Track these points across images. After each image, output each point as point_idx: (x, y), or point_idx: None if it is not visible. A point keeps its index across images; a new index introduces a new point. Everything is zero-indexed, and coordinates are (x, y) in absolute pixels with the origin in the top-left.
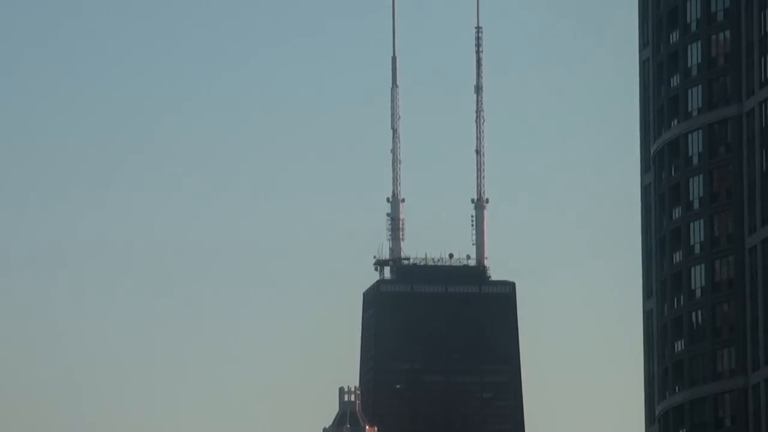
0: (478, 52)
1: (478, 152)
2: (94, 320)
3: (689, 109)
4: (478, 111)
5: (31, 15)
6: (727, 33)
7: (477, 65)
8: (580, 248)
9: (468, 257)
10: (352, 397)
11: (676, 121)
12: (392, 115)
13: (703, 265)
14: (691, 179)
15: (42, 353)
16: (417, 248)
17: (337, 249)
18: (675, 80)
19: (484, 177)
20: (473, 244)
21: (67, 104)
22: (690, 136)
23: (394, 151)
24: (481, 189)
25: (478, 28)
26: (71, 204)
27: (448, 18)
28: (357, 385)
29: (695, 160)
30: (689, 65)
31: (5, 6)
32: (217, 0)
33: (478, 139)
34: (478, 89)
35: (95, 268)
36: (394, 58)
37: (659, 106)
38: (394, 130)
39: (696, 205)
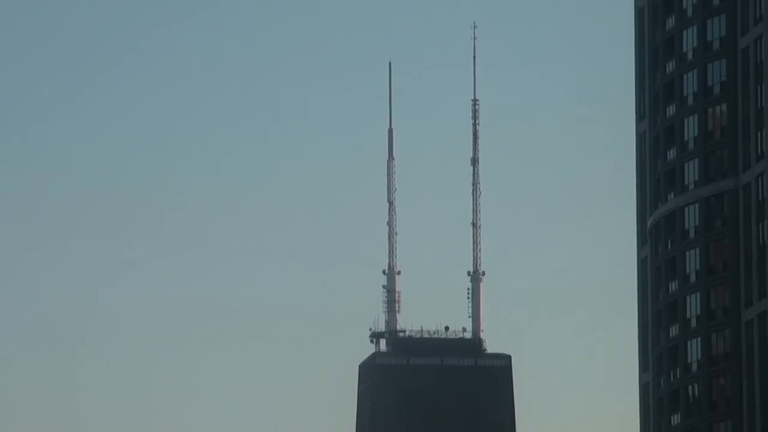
0: (474, 125)
1: (474, 225)
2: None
3: (686, 182)
4: (475, 183)
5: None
6: (724, 106)
7: (473, 138)
8: (577, 321)
9: (464, 330)
10: None
11: (672, 195)
12: (388, 187)
13: (699, 339)
14: (687, 253)
15: (34, 415)
16: (413, 321)
17: (332, 321)
18: (671, 153)
19: (480, 250)
20: (469, 316)
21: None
22: (686, 209)
23: (390, 224)
24: (477, 262)
25: (475, 101)
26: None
27: (444, 90)
28: None
29: (692, 234)
30: (686, 138)
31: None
32: (211, 77)
33: (475, 211)
34: (475, 162)
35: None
36: (390, 131)
37: (656, 179)
38: (390, 203)
39: (692, 278)
